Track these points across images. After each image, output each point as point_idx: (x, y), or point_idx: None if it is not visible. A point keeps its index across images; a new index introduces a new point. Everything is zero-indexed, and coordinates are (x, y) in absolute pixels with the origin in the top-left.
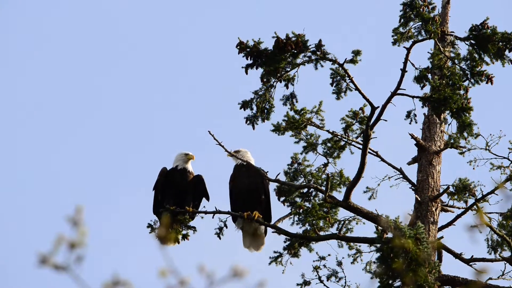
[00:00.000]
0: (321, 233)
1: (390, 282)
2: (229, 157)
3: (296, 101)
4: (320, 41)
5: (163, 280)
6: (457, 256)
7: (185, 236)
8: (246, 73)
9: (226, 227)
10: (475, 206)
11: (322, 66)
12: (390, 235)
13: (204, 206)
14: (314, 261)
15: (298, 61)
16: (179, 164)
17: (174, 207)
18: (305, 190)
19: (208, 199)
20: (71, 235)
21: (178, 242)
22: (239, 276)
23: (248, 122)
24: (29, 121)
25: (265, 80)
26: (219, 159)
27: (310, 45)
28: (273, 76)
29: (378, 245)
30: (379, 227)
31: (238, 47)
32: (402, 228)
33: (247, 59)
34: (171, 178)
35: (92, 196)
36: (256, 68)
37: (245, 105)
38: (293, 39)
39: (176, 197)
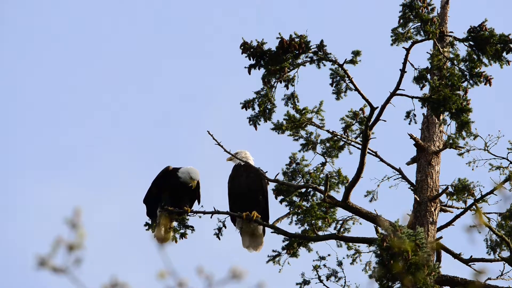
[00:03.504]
0: (320, 233)
1: (390, 284)
2: (228, 161)
3: (298, 101)
4: (322, 41)
5: (162, 282)
6: (456, 256)
7: (183, 235)
8: (249, 73)
9: (225, 227)
10: (474, 207)
11: (324, 65)
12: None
13: (202, 206)
14: (314, 260)
15: (299, 61)
16: (182, 178)
17: (172, 207)
18: (304, 189)
19: (199, 202)
20: (69, 237)
21: (176, 242)
22: (237, 278)
23: (251, 122)
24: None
25: (266, 80)
26: (217, 158)
27: (311, 46)
28: (278, 75)
29: (377, 247)
30: (379, 233)
31: (242, 47)
32: (401, 236)
33: (250, 60)
34: (172, 178)
35: (91, 196)
36: (259, 69)
37: (247, 104)
38: (296, 39)
39: (173, 196)
